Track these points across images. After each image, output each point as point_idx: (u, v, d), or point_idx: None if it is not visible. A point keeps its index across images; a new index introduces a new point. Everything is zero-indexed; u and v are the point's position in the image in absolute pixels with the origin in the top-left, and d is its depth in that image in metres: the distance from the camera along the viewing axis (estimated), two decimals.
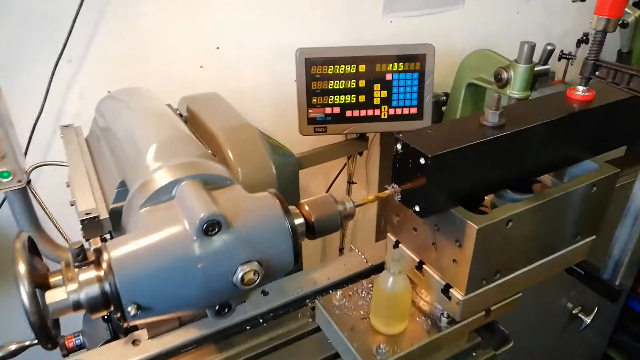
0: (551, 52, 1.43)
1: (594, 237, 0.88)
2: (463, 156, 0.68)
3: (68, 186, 0.97)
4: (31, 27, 1.28)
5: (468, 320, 0.81)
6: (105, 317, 1.07)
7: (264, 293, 0.95)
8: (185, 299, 0.56)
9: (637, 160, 1.81)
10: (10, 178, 0.96)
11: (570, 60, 1.93)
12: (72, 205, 0.90)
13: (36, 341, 0.97)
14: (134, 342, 0.84)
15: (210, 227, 0.55)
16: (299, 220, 0.65)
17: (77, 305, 0.55)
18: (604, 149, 0.86)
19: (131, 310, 0.53)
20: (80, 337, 1.16)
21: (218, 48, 1.53)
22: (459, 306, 0.76)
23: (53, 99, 1.36)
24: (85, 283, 0.54)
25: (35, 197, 1.09)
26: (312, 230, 0.67)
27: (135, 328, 0.86)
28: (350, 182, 1.83)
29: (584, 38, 2.04)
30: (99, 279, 0.55)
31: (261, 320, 0.92)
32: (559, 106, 0.79)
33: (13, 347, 0.97)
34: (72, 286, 0.55)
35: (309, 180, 1.87)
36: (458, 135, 0.70)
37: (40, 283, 0.91)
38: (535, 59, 1.40)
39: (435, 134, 0.71)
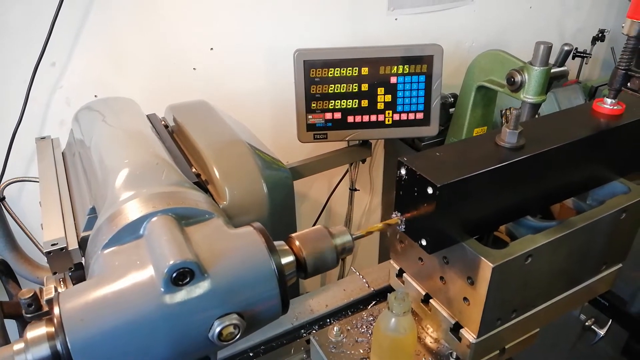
0: (568, 52, 1.33)
1: (620, 265, 0.79)
2: (477, 184, 0.59)
3: (40, 204, 0.89)
4: (9, 27, 1.19)
5: None
6: None
7: None
8: (152, 359, 0.48)
9: None
10: None
11: (585, 58, 1.82)
12: (42, 227, 0.82)
13: None
14: None
15: (181, 275, 0.47)
16: (287, 259, 0.57)
17: None
18: (633, 169, 0.76)
19: None
20: None
21: (212, 49, 1.44)
22: (471, 349, 0.67)
23: (36, 105, 1.28)
24: (32, 342, 0.46)
25: (11, 215, 1.01)
26: (304, 269, 0.58)
27: None
28: (352, 189, 1.74)
29: (600, 35, 1.93)
30: (50, 337, 0.47)
31: (251, 355, 0.84)
32: (585, 122, 0.70)
33: None
34: (19, 345, 0.47)
35: (310, 187, 1.78)
36: (471, 158, 0.61)
37: (11, 313, 0.83)
38: (551, 59, 1.30)
39: (445, 158, 0.62)
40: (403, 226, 0.65)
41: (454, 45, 1.80)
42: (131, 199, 0.56)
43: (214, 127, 0.90)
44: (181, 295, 0.48)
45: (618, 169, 0.74)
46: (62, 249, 0.67)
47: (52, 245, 0.67)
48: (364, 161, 1.62)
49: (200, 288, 0.48)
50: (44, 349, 0.46)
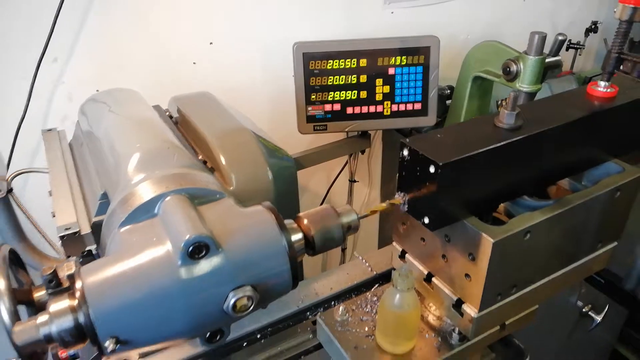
0: (562, 42, 1.36)
1: (615, 243, 0.81)
2: (477, 162, 0.61)
3: (50, 194, 0.91)
4: (11, 24, 1.21)
5: (482, 337, 0.75)
6: None
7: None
8: (170, 329, 0.50)
9: None
10: None
11: (579, 50, 1.85)
12: (53, 216, 0.84)
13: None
14: None
15: (197, 249, 0.49)
16: (296, 236, 0.59)
17: (48, 339, 0.49)
18: (629, 149, 0.79)
19: (109, 344, 0.47)
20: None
21: (211, 43, 1.46)
22: (472, 323, 0.70)
23: (38, 101, 1.30)
24: (56, 314, 0.48)
25: (19, 206, 1.03)
26: (312, 246, 0.61)
27: None
28: (352, 181, 1.77)
29: (593, 27, 1.96)
30: (73, 309, 0.49)
31: (259, 336, 0.86)
32: (579, 104, 0.72)
33: None
34: (43, 318, 0.49)
35: (310, 179, 1.81)
36: (471, 139, 0.64)
37: (23, 299, 0.84)
38: (545, 50, 1.33)
39: (446, 139, 0.64)
40: (406, 206, 0.68)
41: (450, 38, 1.82)
42: (144, 181, 0.58)
43: (218, 116, 0.92)
44: (197, 268, 0.50)
45: (612, 150, 0.77)
46: (75, 233, 0.69)
47: (66, 229, 0.69)
48: (363, 152, 1.65)
49: (215, 261, 0.50)
50: (68, 321, 0.48)
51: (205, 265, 0.50)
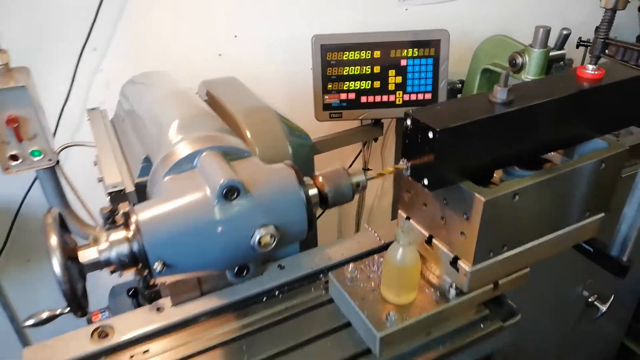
0: (567, 36, 1.43)
1: (603, 214, 0.89)
2: (471, 131, 0.70)
3: (95, 164, 1.02)
4: (59, 17, 1.34)
5: (476, 293, 0.84)
6: (131, 292, 1.13)
7: (280, 267, 0.99)
8: (207, 259, 0.61)
9: None
10: (41, 157, 1.02)
11: (589, 47, 1.91)
12: (100, 181, 0.95)
13: (67, 310, 1.03)
14: (158, 309, 0.89)
15: (230, 192, 0.59)
16: (313, 191, 0.69)
17: (107, 263, 0.60)
18: (614, 128, 0.87)
19: (157, 266, 0.58)
20: (107, 312, 1.22)
21: (236, 36, 1.57)
22: (467, 277, 0.79)
23: (80, 86, 1.43)
24: (115, 243, 0.59)
25: (64, 176, 1.15)
26: (325, 200, 0.70)
27: (160, 297, 0.92)
28: (365, 169, 1.86)
29: None
30: (128, 239, 0.59)
31: (277, 293, 0.96)
32: (568, 84, 0.81)
33: (45, 315, 1.03)
34: (103, 245, 0.60)
35: (325, 166, 1.90)
36: (466, 111, 0.73)
37: (70, 256, 0.97)
38: (551, 44, 1.40)
39: (444, 110, 0.73)
40: (409, 171, 0.77)
41: (462, 34, 1.90)
42: (184, 140, 0.69)
43: (244, 97, 1.02)
44: (230, 208, 0.60)
45: (600, 128, 0.85)
46: (121, 190, 0.80)
47: (114, 187, 0.80)
48: (376, 140, 1.74)
49: (245, 203, 0.61)
50: (125, 248, 0.59)
51: (236, 206, 0.60)
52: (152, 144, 0.79)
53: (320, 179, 0.70)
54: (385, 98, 1.48)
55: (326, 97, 1.47)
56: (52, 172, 1.08)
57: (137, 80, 1.04)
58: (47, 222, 0.95)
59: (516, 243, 0.81)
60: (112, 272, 0.97)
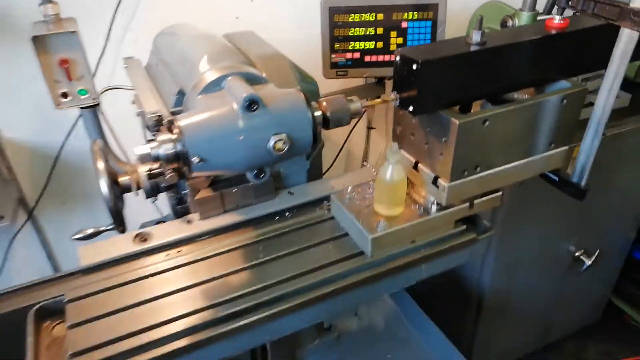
0: (554, 2, 1.56)
1: (567, 147, 1.04)
2: (448, 64, 0.85)
3: (133, 103, 1.19)
4: None
5: (454, 209, 1.00)
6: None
7: (290, 193, 1.16)
8: (232, 158, 0.77)
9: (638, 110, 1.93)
10: (86, 95, 1.19)
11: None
12: (138, 115, 1.12)
13: (110, 227, 1.22)
14: (188, 222, 1.07)
15: (251, 104, 0.75)
16: (317, 113, 0.85)
17: (156, 158, 0.77)
18: (577, 72, 1.01)
19: (195, 160, 0.74)
20: None
21: (252, 0, 1.72)
22: (445, 192, 0.94)
23: (113, 44, 1.59)
24: (162, 142, 0.76)
25: (102, 116, 1.32)
26: (327, 121, 0.87)
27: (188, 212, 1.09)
28: (369, 128, 2.01)
29: None
30: (173, 140, 0.76)
31: (287, 214, 1.12)
32: (537, 31, 0.95)
33: (90, 230, 1.21)
34: (154, 144, 0.76)
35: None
36: (446, 49, 0.88)
37: (113, 180, 1.15)
38: (540, 8, 1.53)
39: (427, 48, 0.89)
40: (397, 101, 0.92)
41: (462, 4, 2.02)
42: (213, 69, 0.85)
43: (261, 46, 1.18)
44: (251, 117, 0.76)
45: (564, 71, 0.99)
46: (160, 116, 0.96)
47: (153, 114, 0.96)
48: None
49: (263, 114, 0.77)
50: (170, 146, 0.75)
51: (256, 116, 0.76)
52: (185, 77, 0.95)
53: (324, 103, 0.86)
54: (387, 58, 1.62)
55: (333, 56, 1.62)
56: (94, 112, 1.25)
57: (167, 32, 1.20)
58: (94, 149, 1.13)
59: (488, 165, 0.96)
60: (147, 197, 1.15)
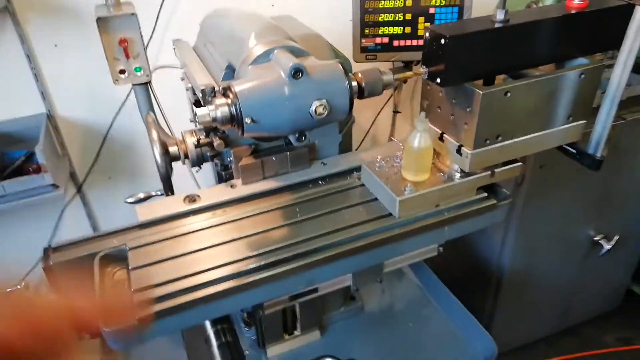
0: None
1: (584, 121, 1.11)
2: (473, 39, 0.94)
3: (182, 79, 1.31)
4: None
5: (476, 176, 1.08)
6: None
7: (323, 164, 1.25)
8: (280, 119, 0.88)
9: None
10: (141, 72, 1.31)
11: None
12: (187, 90, 1.24)
13: (159, 192, 1.35)
14: (232, 186, 1.18)
15: (297, 72, 0.85)
16: (353, 83, 0.95)
17: (214, 119, 0.87)
18: (595, 50, 1.08)
19: (248, 121, 0.85)
20: None
21: None
22: (468, 159, 1.03)
23: (160, 31, 1.71)
24: (219, 105, 0.87)
25: (153, 92, 1.44)
26: (362, 91, 0.96)
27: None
28: (395, 111, 2.09)
29: None
30: (227, 104, 0.87)
31: (320, 182, 1.22)
32: (558, 11, 1.02)
33: (141, 195, 1.33)
34: (211, 107, 0.87)
35: (359, 110, 2.14)
36: (472, 26, 0.96)
37: (164, 149, 1.27)
38: None
39: (454, 26, 0.97)
40: (426, 74, 1.01)
41: None
42: (261, 43, 0.95)
43: (300, 27, 1.28)
44: (297, 84, 0.86)
45: (582, 48, 1.06)
46: (213, 87, 1.07)
47: (205, 86, 1.07)
48: (405, 82, 1.96)
49: (307, 81, 0.87)
50: (226, 109, 0.86)
51: (300, 83, 0.86)
52: (234, 52, 1.06)
53: (359, 74, 0.96)
54: (415, 42, 1.70)
55: (363, 40, 1.71)
56: (146, 88, 1.37)
57: (213, 14, 1.31)
58: (148, 121, 1.25)
59: (508, 135, 1.04)
60: (193, 165, 1.26)
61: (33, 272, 1.89)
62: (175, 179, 1.21)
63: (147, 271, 0.95)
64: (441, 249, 1.42)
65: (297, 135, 0.93)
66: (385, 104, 2.07)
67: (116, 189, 2.00)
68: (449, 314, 1.55)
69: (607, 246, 2.17)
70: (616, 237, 2.16)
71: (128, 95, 1.69)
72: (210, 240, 1.03)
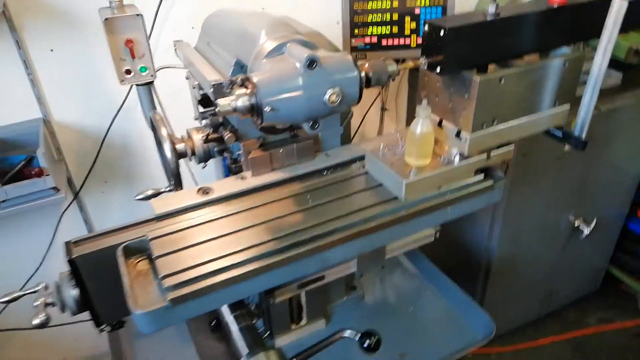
0: None
1: (568, 106, 1.21)
2: (470, 31, 1.02)
3: (187, 78, 1.35)
4: None
5: (474, 159, 1.16)
6: None
7: (327, 155, 1.32)
8: (297, 108, 0.93)
9: (631, 87, 2.11)
10: (146, 72, 1.34)
11: None
12: (194, 88, 1.28)
13: (168, 188, 1.38)
14: (242, 178, 1.23)
15: (311, 62, 0.91)
16: (362, 74, 1.02)
17: (234, 109, 0.92)
18: (576, 39, 1.18)
19: (267, 109, 0.90)
20: None
21: None
22: (467, 142, 1.11)
23: (157, 31, 1.75)
24: (240, 95, 0.92)
25: (154, 92, 1.48)
26: (369, 81, 1.03)
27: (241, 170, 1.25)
28: (383, 109, 2.18)
29: None
30: (247, 94, 0.92)
31: (324, 172, 1.28)
32: (542, 6, 1.12)
33: (150, 192, 1.36)
34: (231, 98, 0.92)
35: None
36: (467, 19, 1.04)
37: (173, 146, 1.30)
38: None
39: (451, 19, 1.05)
40: (426, 65, 1.09)
41: None
42: (273, 37, 1.01)
43: (301, 26, 1.33)
44: (312, 73, 0.92)
45: (565, 39, 1.16)
46: (221, 83, 1.12)
47: (215, 81, 1.12)
48: (393, 79, 2.05)
49: (321, 71, 0.93)
50: (246, 99, 0.91)
51: (315, 73, 0.93)
52: (244, 48, 1.11)
53: (366, 65, 1.03)
54: (402, 41, 1.79)
55: (353, 40, 1.79)
56: (149, 88, 1.41)
57: (215, 15, 1.37)
58: (156, 119, 1.29)
59: (503, 119, 1.13)
60: (199, 161, 1.31)
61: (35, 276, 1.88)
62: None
63: (172, 258, 0.99)
64: (437, 234, 1.50)
65: (310, 123, 0.98)
66: (374, 101, 2.15)
67: (112, 194, 2.01)
68: (447, 297, 1.63)
69: (586, 231, 2.30)
70: (594, 221, 2.29)
71: (125, 99, 1.71)
72: (230, 227, 1.07)
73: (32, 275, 1.87)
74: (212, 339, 1.51)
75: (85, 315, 2.28)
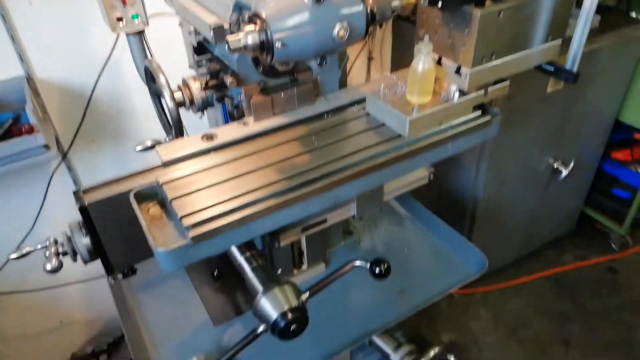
0: None
1: (560, 41, 1.25)
2: None
3: (180, 25, 1.33)
4: None
5: (472, 95, 1.19)
6: None
7: (326, 99, 1.33)
8: (306, 43, 0.94)
9: (608, 29, 2.17)
10: (138, 20, 1.30)
11: None
12: (190, 34, 1.26)
13: (168, 138, 1.37)
14: (245, 124, 1.23)
15: None
16: (367, 8, 1.02)
17: (245, 47, 0.92)
18: None
19: (278, 45, 0.91)
20: None
21: None
22: (467, 78, 1.14)
23: None
24: (249, 32, 0.91)
25: (145, 41, 1.44)
26: (374, 16, 1.04)
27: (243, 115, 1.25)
28: (369, 58, 2.18)
29: None
30: (257, 31, 0.92)
31: (325, 116, 1.30)
32: None
33: (149, 142, 1.35)
34: (242, 34, 0.92)
35: None
36: None
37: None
38: None
39: None
40: (427, 1, 1.10)
41: None
42: None
43: None
44: (320, 7, 0.93)
45: None
46: (221, 26, 1.10)
47: (216, 25, 1.10)
48: (380, 26, 2.05)
49: (328, 5, 0.93)
50: (256, 35, 0.91)
51: (324, 6, 0.93)
52: None
53: (371, 1, 1.03)
54: None
55: None
56: (140, 37, 1.37)
57: None
58: (153, 66, 1.27)
59: (500, 54, 1.16)
60: (198, 110, 1.30)
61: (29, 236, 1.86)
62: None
63: (187, 200, 1.01)
64: (431, 176, 1.55)
65: (319, 60, 0.99)
66: (361, 51, 2.15)
67: (100, 152, 1.97)
68: (440, 237, 1.70)
69: (565, 172, 2.41)
70: (572, 163, 2.40)
71: (112, 50, 1.66)
72: (238, 170, 1.09)
73: (25, 237, 1.85)
74: (215, 289, 1.55)
75: (80, 276, 2.28)
